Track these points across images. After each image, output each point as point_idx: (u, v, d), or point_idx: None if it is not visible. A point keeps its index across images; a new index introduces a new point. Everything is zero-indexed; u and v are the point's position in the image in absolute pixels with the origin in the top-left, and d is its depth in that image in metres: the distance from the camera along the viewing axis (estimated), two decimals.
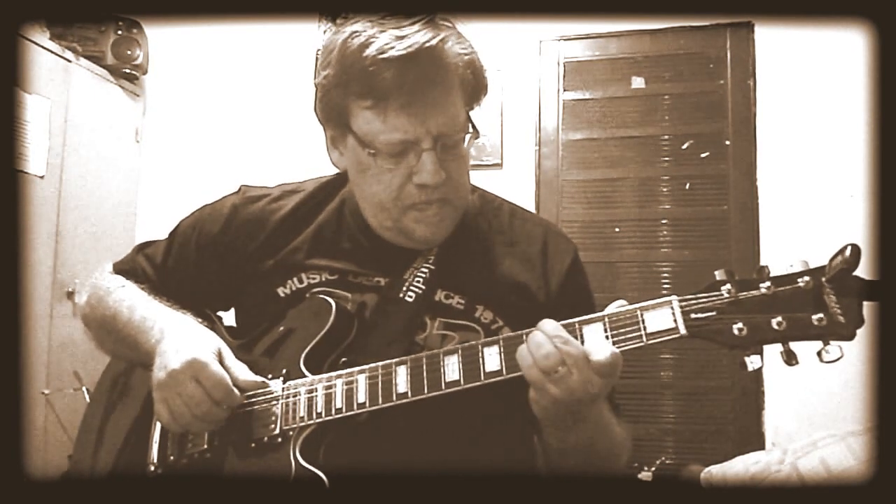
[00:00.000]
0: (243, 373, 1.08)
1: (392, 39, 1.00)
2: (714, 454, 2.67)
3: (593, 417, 0.99)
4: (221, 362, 1.06)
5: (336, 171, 1.27)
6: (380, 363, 1.02)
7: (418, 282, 1.13)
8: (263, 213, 1.22)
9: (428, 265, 1.14)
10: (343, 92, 1.06)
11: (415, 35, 1.01)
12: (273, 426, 1.05)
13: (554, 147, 3.20)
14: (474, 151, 2.64)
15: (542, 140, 3.21)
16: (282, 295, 1.17)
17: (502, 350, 0.96)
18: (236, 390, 1.05)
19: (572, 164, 3.18)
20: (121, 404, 1.24)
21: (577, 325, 0.93)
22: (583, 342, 0.92)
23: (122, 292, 1.23)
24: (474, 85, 1.10)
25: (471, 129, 1.10)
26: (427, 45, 1.01)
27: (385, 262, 1.15)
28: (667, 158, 3.09)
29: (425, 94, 1.03)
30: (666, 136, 3.10)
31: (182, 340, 1.07)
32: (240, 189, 1.28)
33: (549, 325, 0.92)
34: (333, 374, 1.05)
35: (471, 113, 1.11)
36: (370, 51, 1.00)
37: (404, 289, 1.12)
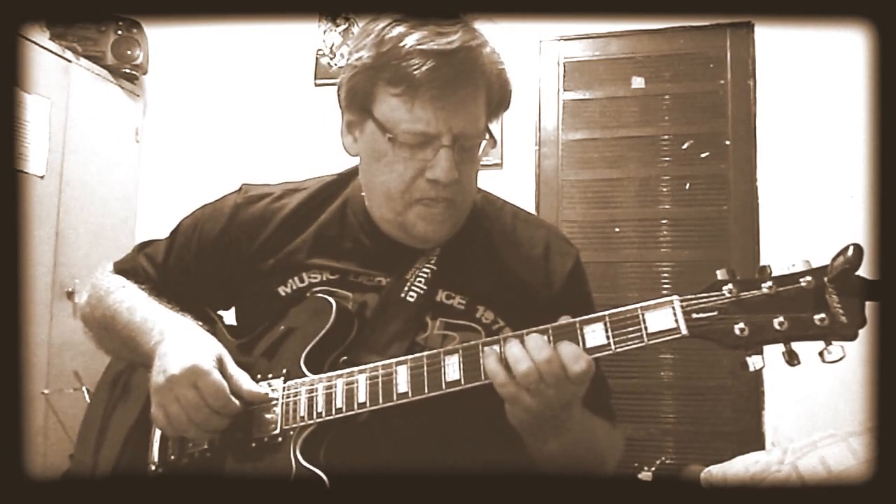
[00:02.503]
0: (247, 382, 1.07)
1: (433, 34, 1.02)
2: (714, 454, 2.67)
3: (572, 425, 0.99)
4: (223, 369, 1.05)
5: (337, 171, 1.27)
6: (380, 363, 1.02)
7: (420, 282, 1.13)
8: (265, 213, 1.22)
9: (430, 265, 1.14)
10: (373, 76, 1.06)
11: (455, 34, 1.02)
12: (273, 426, 1.05)
13: (554, 147, 3.19)
14: None
15: (542, 140, 3.21)
16: (282, 294, 1.17)
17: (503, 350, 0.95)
18: (235, 399, 1.04)
19: (572, 164, 3.17)
20: (122, 403, 1.24)
21: (577, 325, 0.93)
22: (584, 342, 0.92)
23: (122, 293, 1.22)
24: (499, 98, 1.13)
25: (487, 137, 1.11)
26: (467, 44, 1.03)
27: (387, 262, 1.15)
28: (667, 158, 3.09)
29: (456, 91, 1.04)
30: (666, 136, 3.10)
31: (182, 345, 1.07)
32: (241, 188, 1.27)
33: (532, 340, 0.93)
34: (334, 373, 1.04)
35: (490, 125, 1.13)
36: (410, 40, 1.02)
37: (406, 288, 1.12)
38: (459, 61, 1.02)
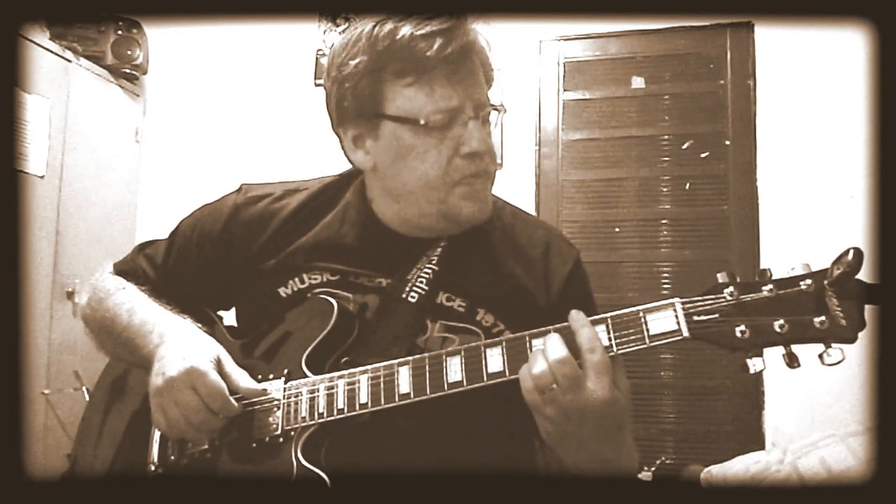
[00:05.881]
0: (244, 380, 1.07)
1: (422, 21, 1.03)
2: (714, 454, 2.67)
3: (621, 446, 0.97)
4: (221, 370, 1.05)
5: (338, 171, 1.27)
6: (382, 363, 1.02)
7: (421, 282, 1.12)
8: (265, 213, 1.21)
9: (431, 266, 1.14)
10: (377, 77, 1.06)
11: (442, 17, 1.04)
12: (275, 426, 1.05)
13: (554, 147, 3.20)
14: None
15: (542, 140, 3.21)
16: (283, 295, 1.16)
17: (505, 351, 0.95)
18: (233, 400, 1.04)
19: (572, 164, 3.18)
20: (119, 404, 1.24)
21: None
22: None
23: (121, 294, 1.22)
24: (487, 72, 1.13)
25: (495, 106, 1.11)
26: (459, 20, 1.05)
27: (389, 262, 1.15)
28: (667, 158, 3.09)
29: (465, 63, 1.05)
30: (666, 136, 3.10)
31: (181, 347, 1.07)
32: (241, 188, 1.27)
33: (552, 342, 0.91)
34: (335, 374, 1.04)
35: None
36: (404, 31, 1.03)
37: (407, 289, 1.12)
38: (459, 36, 1.04)
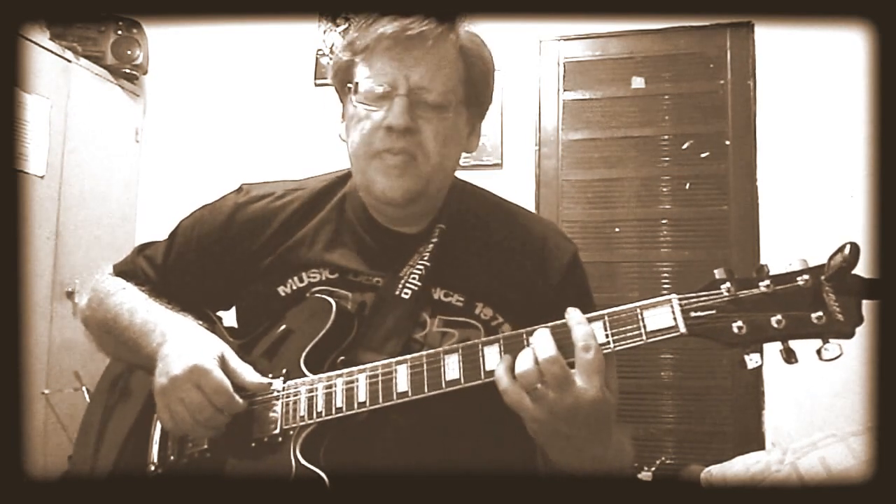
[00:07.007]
0: (249, 374, 1.07)
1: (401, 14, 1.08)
2: (714, 454, 2.68)
3: (608, 443, 0.97)
4: (225, 366, 1.06)
5: (336, 171, 1.27)
6: (380, 362, 1.02)
7: (414, 278, 1.13)
8: (266, 212, 1.22)
9: (423, 262, 1.14)
10: (349, 52, 1.12)
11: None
12: (273, 426, 1.05)
13: (554, 147, 3.20)
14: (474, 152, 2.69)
15: (542, 140, 3.21)
16: (282, 294, 1.17)
17: (502, 349, 0.95)
18: (237, 397, 1.04)
19: (572, 164, 3.18)
20: (121, 404, 1.24)
21: None
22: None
23: (122, 295, 1.22)
24: (482, 81, 1.15)
25: (462, 99, 1.12)
26: (435, 21, 1.07)
27: (385, 259, 1.15)
28: (667, 158, 3.09)
29: (412, 45, 1.07)
30: (666, 136, 3.10)
31: (184, 345, 1.07)
32: (241, 188, 1.27)
33: (539, 340, 0.91)
34: (334, 373, 1.04)
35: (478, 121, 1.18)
36: (377, 15, 1.09)
37: (400, 286, 1.12)
38: (422, 27, 1.06)
